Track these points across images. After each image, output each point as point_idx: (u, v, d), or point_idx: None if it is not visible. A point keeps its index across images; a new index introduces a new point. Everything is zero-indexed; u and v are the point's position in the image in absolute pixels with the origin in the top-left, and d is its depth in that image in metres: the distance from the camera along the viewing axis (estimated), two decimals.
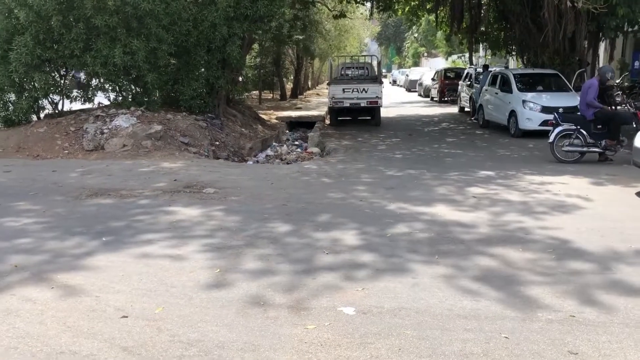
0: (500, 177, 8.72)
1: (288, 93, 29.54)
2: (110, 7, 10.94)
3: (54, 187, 7.78)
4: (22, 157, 10.19)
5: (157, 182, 8.11)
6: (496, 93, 15.21)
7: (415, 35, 68.78)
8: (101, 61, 11.34)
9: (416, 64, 69.81)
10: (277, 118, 18.85)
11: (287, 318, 3.74)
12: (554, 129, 10.07)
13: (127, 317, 3.74)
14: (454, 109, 23.10)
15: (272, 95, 29.10)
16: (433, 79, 30.77)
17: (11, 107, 12.12)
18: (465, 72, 22.57)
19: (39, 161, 9.86)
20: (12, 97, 12.29)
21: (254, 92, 23.88)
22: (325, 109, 22.40)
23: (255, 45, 21.99)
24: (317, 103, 26.73)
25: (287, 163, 11.87)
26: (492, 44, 22.91)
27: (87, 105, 12.94)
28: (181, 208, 6.70)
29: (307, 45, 24.30)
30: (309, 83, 41.12)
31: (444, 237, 5.53)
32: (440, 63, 47.96)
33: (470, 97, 19.57)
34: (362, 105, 16.68)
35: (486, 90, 16.22)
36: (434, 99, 29.74)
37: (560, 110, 11.20)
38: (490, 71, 17.55)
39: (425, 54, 70.90)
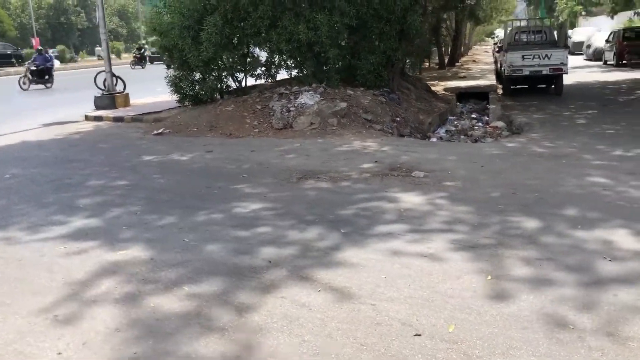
0: None
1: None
2: None
3: (261, 169, 7.73)
4: (215, 135, 10.40)
5: (360, 164, 7.76)
6: None
7: None
8: (285, 38, 11.23)
9: (572, 24, 63.73)
10: (445, 89, 17.89)
11: (616, 351, 3.08)
12: None
13: (420, 335, 3.31)
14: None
15: (428, 64, 27.96)
16: (608, 41, 27.70)
17: (197, 86, 12.53)
18: None
19: (233, 140, 10.00)
20: (197, 76, 12.72)
21: None
22: (492, 77, 21.03)
23: None
24: (479, 70, 25.22)
25: (475, 140, 11.05)
26: None
27: (260, 81, 13.09)
28: (400, 194, 6.25)
29: (474, 9, 22.78)
30: (461, 49, 39.12)
31: None
32: (603, 23, 43.10)
33: None
34: (544, 73, 15.22)
35: None
36: (609, 62, 26.89)
37: None
38: None
39: (584, 13, 64.61)
